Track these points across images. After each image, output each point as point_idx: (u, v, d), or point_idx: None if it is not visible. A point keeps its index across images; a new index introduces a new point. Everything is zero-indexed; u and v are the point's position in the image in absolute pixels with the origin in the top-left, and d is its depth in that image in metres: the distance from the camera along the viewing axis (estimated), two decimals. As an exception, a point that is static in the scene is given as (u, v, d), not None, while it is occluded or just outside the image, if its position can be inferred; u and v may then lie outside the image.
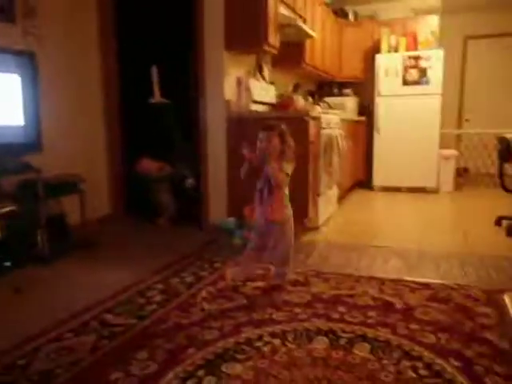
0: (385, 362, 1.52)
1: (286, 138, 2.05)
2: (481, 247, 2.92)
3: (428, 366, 1.49)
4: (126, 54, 3.70)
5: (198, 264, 2.61)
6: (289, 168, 2.06)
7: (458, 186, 5.50)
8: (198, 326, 1.81)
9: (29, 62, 2.79)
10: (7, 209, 2.45)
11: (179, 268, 2.54)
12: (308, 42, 4.45)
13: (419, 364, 1.50)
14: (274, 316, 1.90)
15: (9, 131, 2.67)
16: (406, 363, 1.51)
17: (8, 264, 2.51)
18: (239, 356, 1.56)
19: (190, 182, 3.56)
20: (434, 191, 5.29)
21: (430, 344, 1.64)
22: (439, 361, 1.52)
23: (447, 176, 5.34)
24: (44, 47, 3.02)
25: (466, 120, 6.59)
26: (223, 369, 1.48)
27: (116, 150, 3.77)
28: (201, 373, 1.46)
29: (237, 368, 1.49)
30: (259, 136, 2.05)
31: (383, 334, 1.72)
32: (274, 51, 3.41)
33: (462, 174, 5.70)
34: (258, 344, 1.64)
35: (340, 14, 5.76)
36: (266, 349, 1.61)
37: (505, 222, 3.44)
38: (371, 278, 2.35)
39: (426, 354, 1.57)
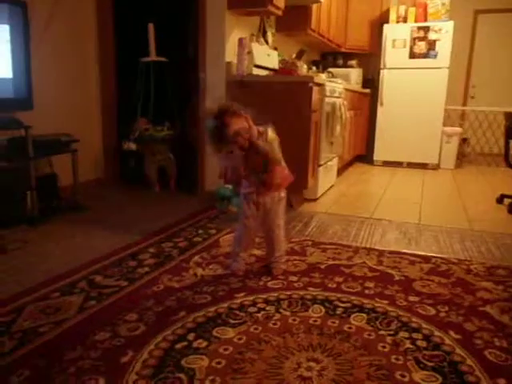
0: (382, 332, 1.47)
1: (242, 116, 1.69)
2: (482, 224, 2.86)
3: (426, 338, 1.44)
4: (122, 10, 3.52)
5: (191, 230, 2.54)
6: (273, 133, 1.77)
7: (459, 164, 5.42)
8: (190, 290, 1.75)
9: (20, 12, 2.64)
10: (-6, 165, 2.36)
11: (173, 233, 2.47)
12: (314, 8, 4.26)
13: (417, 335, 1.45)
14: (268, 284, 1.84)
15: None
16: (403, 334, 1.45)
17: (-5, 223, 2.43)
18: (232, 321, 1.50)
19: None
20: (435, 168, 5.21)
21: (428, 316, 1.59)
22: (438, 333, 1.47)
23: (450, 153, 5.25)
24: (37, -2, 2.86)
25: (472, 97, 6.46)
26: (214, 333, 1.42)
27: (111, 110, 3.65)
28: (191, 336, 1.40)
29: (229, 332, 1.43)
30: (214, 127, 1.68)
31: (381, 305, 1.67)
32: (279, 12, 3.25)
33: (462, 144, 5.59)
34: (252, 310, 1.59)
35: (348, -20, 5.53)
36: (259, 315, 1.55)
37: (507, 200, 3.37)
38: (370, 250, 2.29)
39: (425, 325, 1.52)
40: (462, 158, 5.63)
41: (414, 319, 1.56)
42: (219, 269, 1.98)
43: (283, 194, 1.92)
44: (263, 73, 3.45)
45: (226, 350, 1.33)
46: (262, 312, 1.57)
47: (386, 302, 1.70)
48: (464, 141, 5.69)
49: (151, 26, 3.18)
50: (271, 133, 1.77)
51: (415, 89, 5.14)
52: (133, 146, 3.35)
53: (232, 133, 1.67)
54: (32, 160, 2.58)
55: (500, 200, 3.46)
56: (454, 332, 1.48)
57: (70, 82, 3.30)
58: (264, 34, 3.85)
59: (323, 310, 1.61)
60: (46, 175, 2.90)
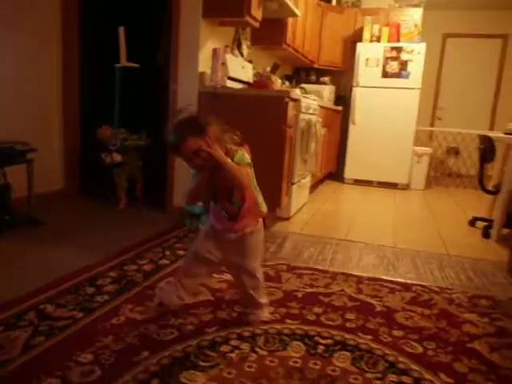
0: (368, 375, 1.33)
1: (203, 133, 1.38)
2: (458, 248, 2.80)
3: (417, 382, 1.31)
4: (89, 12, 3.32)
5: (158, 250, 2.35)
6: (245, 154, 1.47)
7: (428, 185, 5.44)
8: (155, 323, 1.56)
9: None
10: None
11: (137, 254, 2.27)
12: (290, 22, 4.20)
13: (407, 379, 1.32)
14: (242, 315, 1.67)
15: None
16: (392, 378, 1.32)
17: None
18: (202, 363, 1.33)
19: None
20: (405, 188, 5.21)
21: (416, 355, 1.46)
22: (428, 376, 1.35)
23: (420, 174, 5.27)
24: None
25: (439, 119, 6.58)
26: (182, 378, 1.24)
27: (73, 117, 3.41)
28: (154, 383, 1.22)
29: (198, 378, 1.25)
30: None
31: (364, 341, 1.53)
32: (256, 24, 3.14)
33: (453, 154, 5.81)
34: (225, 349, 1.42)
35: (323, -3, 5.52)
36: (233, 355, 1.38)
37: (479, 223, 3.36)
38: (348, 276, 2.16)
39: (414, 366, 1.39)
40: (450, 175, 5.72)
41: (400, 358, 1.43)
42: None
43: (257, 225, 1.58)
44: (237, 85, 3.32)
45: (195, 400, 1.16)
46: (236, 351, 1.41)
47: (369, 337, 1.57)
48: (456, 153, 5.80)
49: (122, 30, 2.98)
50: (242, 155, 1.46)
51: (387, 108, 5.14)
52: (118, 158, 3.12)
53: (186, 151, 1.41)
54: (-19, 170, 2.33)
55: (472, 223, 3.44)
56: (446, 374, 1.36)
57: (28, 86, 3.05)
58: (239, 46, 3.73)
59: (303, 347, 1.46)
60: (-3, 186, 2.64)
